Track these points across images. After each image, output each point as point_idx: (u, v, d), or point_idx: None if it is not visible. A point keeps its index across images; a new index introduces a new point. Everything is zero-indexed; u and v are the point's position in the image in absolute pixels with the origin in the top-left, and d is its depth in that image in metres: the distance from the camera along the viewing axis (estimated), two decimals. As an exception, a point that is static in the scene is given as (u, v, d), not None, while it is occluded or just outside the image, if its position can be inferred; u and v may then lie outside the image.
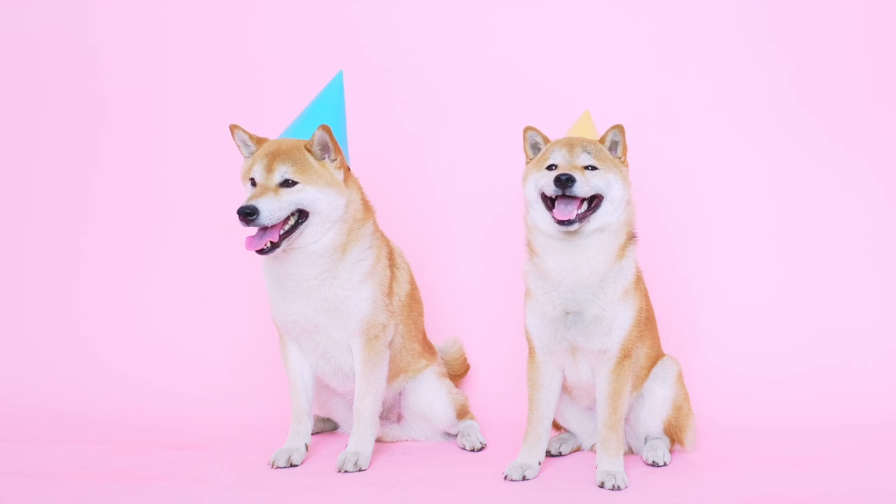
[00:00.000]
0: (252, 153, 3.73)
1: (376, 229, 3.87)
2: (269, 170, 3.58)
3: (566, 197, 3.41)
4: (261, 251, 3.55)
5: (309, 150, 3.64)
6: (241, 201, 3.57)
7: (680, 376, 3.85)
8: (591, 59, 4.84)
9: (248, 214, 3.49)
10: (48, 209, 5.07)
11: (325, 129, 3.62)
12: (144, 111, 5.02)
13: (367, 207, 3.83)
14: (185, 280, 4.94)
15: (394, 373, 3.94)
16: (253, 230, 3.59)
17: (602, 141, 3.59)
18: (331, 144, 3.65)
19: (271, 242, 3.56)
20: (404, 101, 4.88)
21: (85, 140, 5.06)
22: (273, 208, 3.53)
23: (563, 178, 3.38)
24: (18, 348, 4.90)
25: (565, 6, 4.86)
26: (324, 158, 3.66)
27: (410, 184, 4.83)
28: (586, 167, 3.47)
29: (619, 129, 3.59)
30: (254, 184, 3.62)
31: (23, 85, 5.09)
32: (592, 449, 3.85)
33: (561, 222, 3.40)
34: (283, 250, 3.61)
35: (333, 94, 3.82)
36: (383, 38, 4.92)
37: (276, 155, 3.60)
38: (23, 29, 5.08)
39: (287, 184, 3.58)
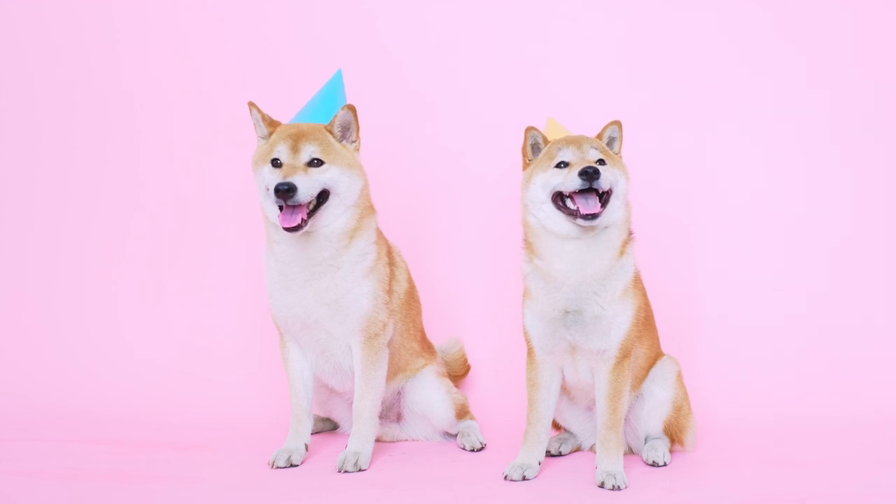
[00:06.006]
0: (265, 135, 3.71)
1: (378, 227, 3.88)
2: (296, 150, 3.58)
3: (585, 192, 3.38)
4: (295, 228, 3.52)
5: (329, 132, 3.67)
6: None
7: (679, 376, 3.85)
8: (590, 58, 4.84)
9: (287, 191, 3.48)
10: (48, 208, 5.07)
11: (351, 108, 3.66)
12: (149, 109, 5.02)
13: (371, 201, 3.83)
14: (185, 279, 4.94)
15: (392, 372, 3.94)
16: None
17: (600, 137, 3.59)
18: (354, 125, 3.69)
19: (302, 219, 3.54)
20: (404, 100, 4.88)
21: (85, 142, 5.07)
22: (307, 185, 3.53)
23: (590, 170, 3.34)
24: (18, 348, 4.90)
25: (563, 6, 4.86)
26: (343, 140, 3.69)
27: (410, 184, 4.82)
28: (597, 162, 3.46)
29: (617, 124, 3.59)
30: (275, 165, 3.60)
31: (22, 86, 5.10)
32: (592, 449, 3.84)
33: (587, 217, 3.37)
34: (306, 231, 3.59)
35: (334, 91, 3.82)
36: (381, 37, 4.91)
37: (301, 136, 3.61)
38: (15, 30, 5.08)
39: (313, 163, 3.58)
